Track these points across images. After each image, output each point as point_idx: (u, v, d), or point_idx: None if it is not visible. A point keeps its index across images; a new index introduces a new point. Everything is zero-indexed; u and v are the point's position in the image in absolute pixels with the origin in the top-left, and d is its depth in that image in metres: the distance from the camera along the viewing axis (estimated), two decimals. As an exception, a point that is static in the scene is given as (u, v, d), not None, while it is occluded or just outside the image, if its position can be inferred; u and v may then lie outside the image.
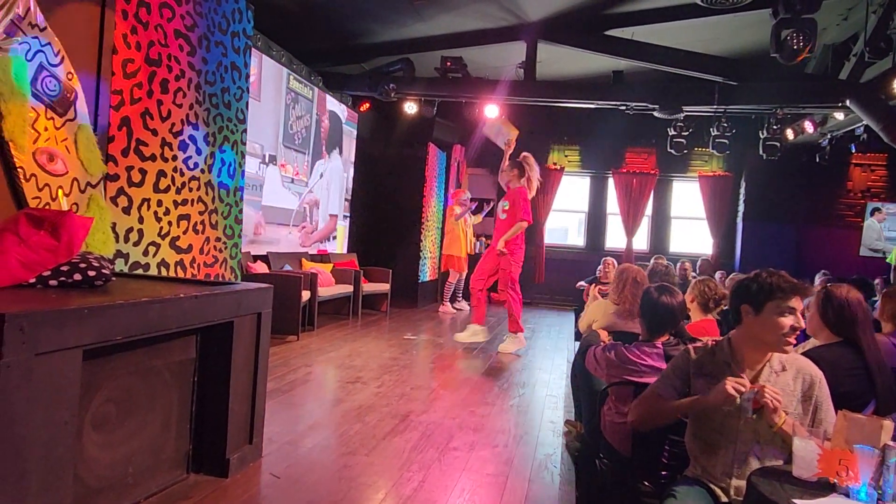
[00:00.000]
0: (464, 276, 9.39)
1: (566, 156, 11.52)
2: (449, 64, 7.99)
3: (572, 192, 11.76)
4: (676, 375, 2.14)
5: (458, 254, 9.33)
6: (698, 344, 2.19)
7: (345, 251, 8.98)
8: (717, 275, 8.33)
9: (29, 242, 2.21)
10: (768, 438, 1.95)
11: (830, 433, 1.76)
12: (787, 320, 1.95)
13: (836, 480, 1.59)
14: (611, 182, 11.32)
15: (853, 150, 9.86)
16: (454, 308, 9.32)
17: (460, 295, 9.63)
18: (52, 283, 2.28)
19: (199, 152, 4.30)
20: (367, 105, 9.33)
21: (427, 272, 9.77)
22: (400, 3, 6.72)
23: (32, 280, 2.25)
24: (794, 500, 1.53)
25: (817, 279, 6.68)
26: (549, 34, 7.61)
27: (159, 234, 3.96)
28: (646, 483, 2.37)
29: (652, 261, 5.52)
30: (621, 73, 8.42)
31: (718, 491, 1.98)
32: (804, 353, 2.29)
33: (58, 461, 1.81)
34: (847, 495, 1.56)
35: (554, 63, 8.35)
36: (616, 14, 7.32)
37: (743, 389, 1.90)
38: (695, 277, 4.82)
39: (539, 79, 8.01)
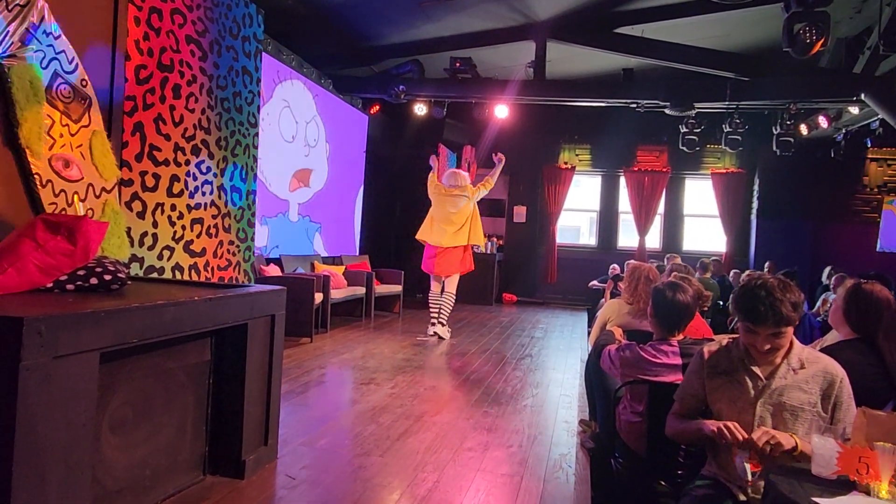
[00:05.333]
0: (441, 281, 6.65)
1: (577, 155, 11.48)
2: (458, 64, 7.99)
3: (583, 191, 11.72)
4: (691, 383, 2.11)
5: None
6: (712, 344, 2.16)
7: (356, 253, 9.01)
8: (731, 274, 8.27)
9: (46, 247, 2.24)
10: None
11: (850, 434, 1.73)
12: (745, 337, 1.94)
13: (855, 478, 1.57)
14: (622, 181, 11.27)
15: (869, 145, 9.71)
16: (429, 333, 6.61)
17: (434, 315, 6.60)
18: (69, 287, 2.31)
19: (211, 156, 4.33)
20: (377, 107, 9.36)
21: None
22: (408, 4, 6.74)
23: (50, 284, 2.28)
24: (814, 499, 1.51)
25: (825, 276, 6.60)
26: (558, 33, 7.60)
27: (173, 238, 3.99)
28: (662, 482, 2.35)
29: (666, 260, 5.48)
30: (631, 70, 8.38)
31: (736, 489, 1.95)
32: (825, 349, 2.26)
33: (76, 463, 1.83)
34: (867, 493, 1.54)
35: (564, 62, 8.33)
36: (625, 11, 7.30)
37: (734, 433, 1.83)
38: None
39: (549, 78, 8.00)
